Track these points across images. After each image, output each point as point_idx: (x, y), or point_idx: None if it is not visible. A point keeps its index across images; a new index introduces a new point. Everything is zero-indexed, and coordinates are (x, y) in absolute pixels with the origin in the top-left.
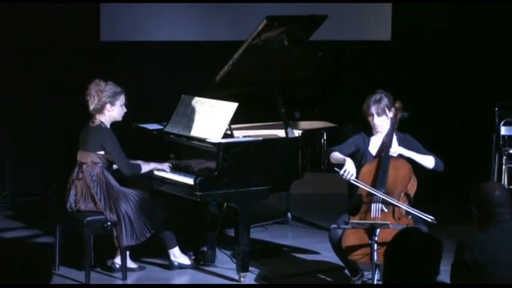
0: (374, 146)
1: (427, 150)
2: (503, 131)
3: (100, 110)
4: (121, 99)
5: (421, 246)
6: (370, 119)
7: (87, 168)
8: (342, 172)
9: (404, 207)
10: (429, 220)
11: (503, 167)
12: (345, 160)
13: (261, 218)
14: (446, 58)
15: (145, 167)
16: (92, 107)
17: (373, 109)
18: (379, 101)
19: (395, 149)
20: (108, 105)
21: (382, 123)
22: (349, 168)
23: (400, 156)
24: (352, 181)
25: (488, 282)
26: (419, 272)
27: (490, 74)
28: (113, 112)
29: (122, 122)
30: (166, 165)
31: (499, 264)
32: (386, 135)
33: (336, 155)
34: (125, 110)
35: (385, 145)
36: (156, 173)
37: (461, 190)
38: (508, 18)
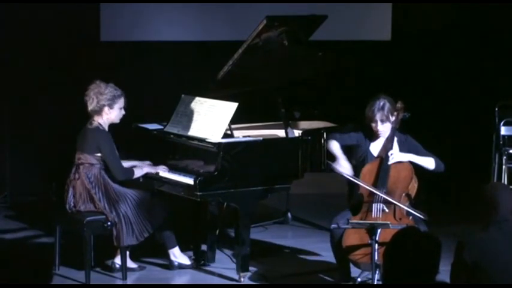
0: (375, 146)
1: (427, 151)
2: (503, 131)
3: (98, 112)
4: (120, 102)
5: (420, 245)
6: (373, 125)
7: (84, 170)
8: (334, 165)
9: (402, 206)
10: (422, 217)
11: (503, 167)
12: (338, 157)
13: (261, 218)
14: (446, 58)
15: (138, 172)
16: (90, 108)
17: (378, 116)
18: (383, 108)
19: (394, 157)
20: (106, 108)
21: (385, 129)
22: (344, 164)
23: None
24: (346, 176)
25: (487, 282)
26: (419, 272)
27: (490, 74)
28: (111, 115)
29: (122, 122)
30: (160, 168)
31: (498, 264)
32: (388, 137)
33: (334, 147)
34: (123, 112)
35: (387, 146)
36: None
37: (461, 190)
38: (508, 19)
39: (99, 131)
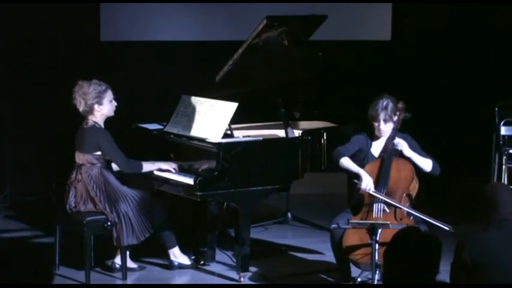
0: (376, 147)
1: (425, 153)
2: (503, 131)
3: (89, 111)
4: (108, 96)
5: (421, 245)
6: (376, 124)
7: (85, 170)
8: (363, 187)
9: (415, 212)
10: (446, 229)
11: (503, 167)
12: (359, 172)
13: (261, 218)
14: (446, 58)
15: (148, 166)
16: (80, 109)
17: (381, 116)
18: (386, 108)
19: (400, 142)
20: (96, 106)
21: (388, 128)
22: (369, 183)
23: (401, 154)
24: (372, 193)
25: (487, 282)
26: (419, 272)
27: (490, 74)
28: (103, 110)
29: (121, 122)
30: (172, 166)
31: (498, 264)
32: (389, 137)
33: (347, 163)
34: (115, 104)
35: (388, 146)
36: (156, 173)
37: (461, 190)
38: (508, 18)
39: (96, 129)
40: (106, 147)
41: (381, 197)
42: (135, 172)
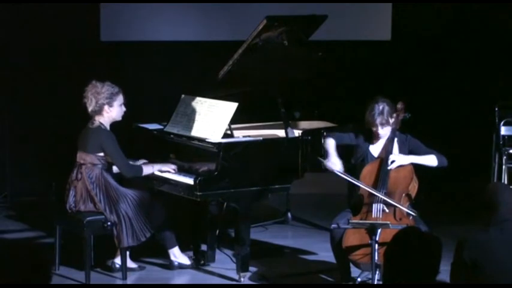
0: (376, 147)
1: (429, 148)
2: (503, 131)
3: (98, 111)
4: (119, 99)
5: (421, 245)
6: (374, 129)
7: (86, 170)
8: (327, 163)
9: (402, 207)
10: (413, 214)
11: (503, 167)
12: (330, 154)
13: (261, 218)
14: (446, 58)
15: (148, 169)
16: (90, 109)
17: (378, 121)
18: (382, 112)
19: (396, 163)
20: (106, 107)
21: (386, 131)
22: (335, 162)
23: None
24: (336, 172)
25: (487, 281)
26: (419, 272)
27: (490, 73)
28: (112, 113)
29: (122, 122)
30: (172, 167)
31: (498, 264)
32: (388, 138)
33: (329, 144)
34: (124, 109)
35: (387, 147)
36: (156, 173)
37: (461, 190)
38: (508, 18)
39: (101, 130)
40: (109, 149)
41: (345, 177)
42: (135, 176)
